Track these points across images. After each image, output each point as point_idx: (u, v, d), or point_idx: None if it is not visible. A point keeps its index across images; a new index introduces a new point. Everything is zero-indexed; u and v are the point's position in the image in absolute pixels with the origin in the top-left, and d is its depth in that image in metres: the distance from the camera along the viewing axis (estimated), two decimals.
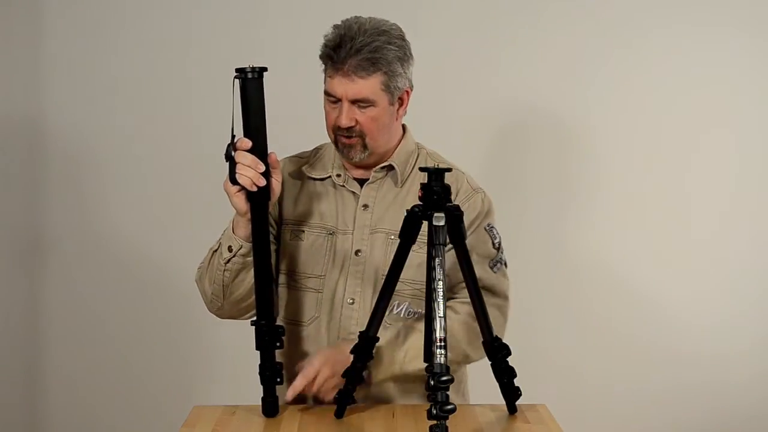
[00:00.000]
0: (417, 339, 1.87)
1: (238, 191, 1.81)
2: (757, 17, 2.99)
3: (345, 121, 1.89)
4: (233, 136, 1.81)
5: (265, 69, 1.80)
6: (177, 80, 2.99)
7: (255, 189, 1.80)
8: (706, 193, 3.04)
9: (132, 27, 2.98)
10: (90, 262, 3.03)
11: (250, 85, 1.79)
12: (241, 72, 1.79)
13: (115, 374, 3.05)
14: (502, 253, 2.02)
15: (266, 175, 1.80)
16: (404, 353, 1.88)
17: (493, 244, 2.01)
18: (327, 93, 1.92)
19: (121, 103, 3.00)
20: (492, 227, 2.02)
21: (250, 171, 1.78)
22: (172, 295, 3.00)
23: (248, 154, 1.79)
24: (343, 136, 1.92)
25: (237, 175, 1.79)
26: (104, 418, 3.05)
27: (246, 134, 1.80)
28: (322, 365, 1.85)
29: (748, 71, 3.01)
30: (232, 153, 1.79)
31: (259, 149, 1.80)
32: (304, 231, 1.99)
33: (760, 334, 3.06)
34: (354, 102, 1.89)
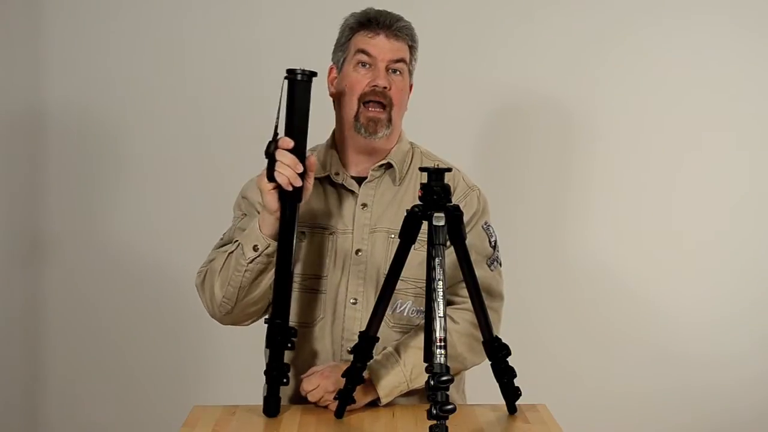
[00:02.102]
0: (420, 356, 1.86)
1: (273, 189, 1.80)
2: (758, 11, 2.99)
3: (383, 81, 1.92)
4: (276, 134, 1.80)
5: (315, 74, 1.81)
6: (178, 79, 2.98)
7: (291, 189, 1.79)
8: (707, 193, 3.04)
9: (133, 26, 2.97)
10: (90, 262, 3.02)
11: (299, 87, 1.79)
12: (291, 73, 1.79)
13: (115, 374, 3.05)
14: (497, 251, 2.02)
15: (302, 176, 1.80)
16: (410, 371, 1.88)
17: (490, 242, 2.01)
18: (363, 52, 1.93)
19: (121, 102, 2.99)
20: (488, 225, 2.02)
21: (288, 170, 1.78)
22: (172, 295, 3.00)
23: (289, 154, 1.78)
24: (371, 107, 1.93)
25: (275, 173, 1.78)
26: (104, 418, 3.05)
27: (288, 134, 1.80)
28: (323, 379, 1.86)
29: (752, 70, 3.01)
30: (273, 151, 1.79)
31: (299, 150, 1.80)
32: (305, 232, 1.98)
33: (760, 334, 3.06)
34: (389, 65, 1.93)
